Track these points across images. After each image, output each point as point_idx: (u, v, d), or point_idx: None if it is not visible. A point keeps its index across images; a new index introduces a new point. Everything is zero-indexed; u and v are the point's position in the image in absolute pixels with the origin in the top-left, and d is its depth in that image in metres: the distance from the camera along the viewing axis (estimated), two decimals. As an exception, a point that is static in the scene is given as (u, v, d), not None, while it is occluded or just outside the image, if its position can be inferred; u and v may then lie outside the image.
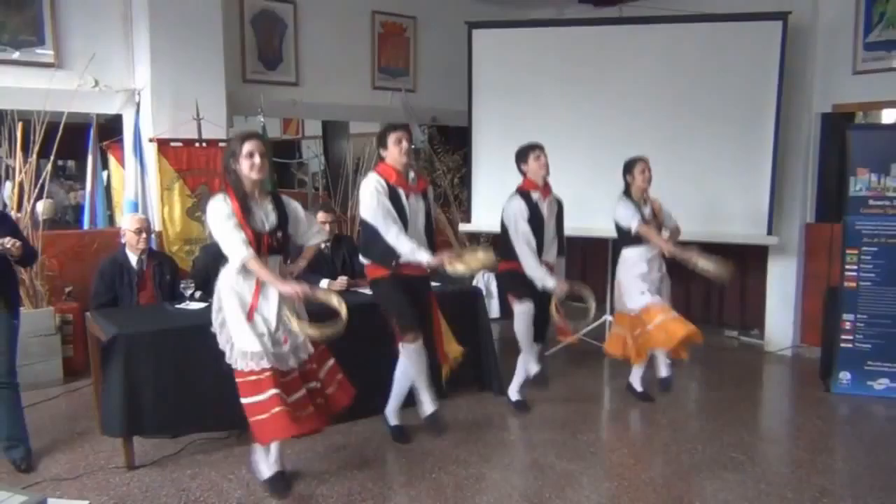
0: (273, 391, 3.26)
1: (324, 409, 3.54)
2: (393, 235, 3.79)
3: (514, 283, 4.48)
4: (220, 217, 3.27)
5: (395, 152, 3.86)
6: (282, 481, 3.50)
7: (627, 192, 4.71)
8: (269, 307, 3.37)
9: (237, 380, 3.32)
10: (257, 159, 3.29)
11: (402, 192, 3.87)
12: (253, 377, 3.28)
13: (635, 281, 4.67)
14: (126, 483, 3.61)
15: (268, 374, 3.28)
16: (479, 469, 3.83)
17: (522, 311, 4.48)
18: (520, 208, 4.38)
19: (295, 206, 3.58)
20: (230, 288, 3.35)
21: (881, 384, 5.05)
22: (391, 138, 3.86)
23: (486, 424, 4.46)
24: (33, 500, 2.60)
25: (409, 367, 3.99)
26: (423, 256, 3.78)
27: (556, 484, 3.66)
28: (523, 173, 4.50)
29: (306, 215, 3.63)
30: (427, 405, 3.98)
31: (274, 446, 3.49)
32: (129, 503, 3.41)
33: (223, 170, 3.41)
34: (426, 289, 4.12)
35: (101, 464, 3.80)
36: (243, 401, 3.30)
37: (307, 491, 3.55)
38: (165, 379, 3.74)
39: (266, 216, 3.40)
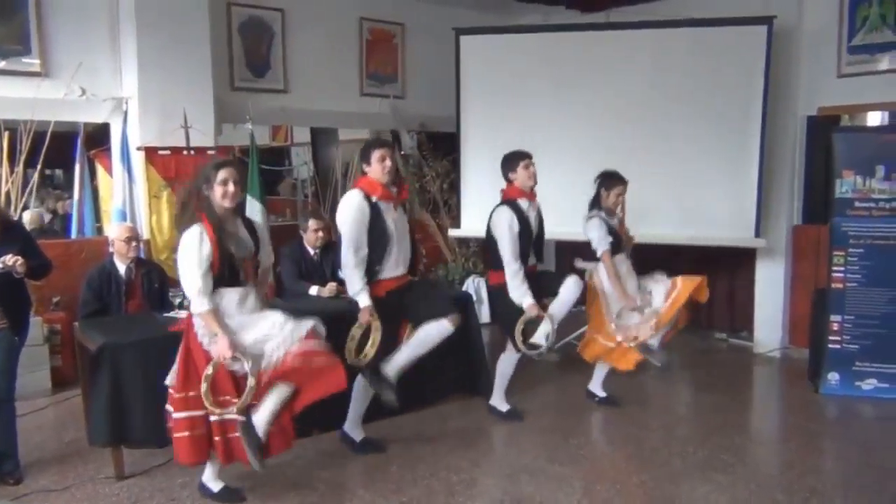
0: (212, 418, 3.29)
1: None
2: (350, 265, 3.74)
3: (507, 306, 4.36)
4: (193, 256, 3.21)
5: (378, 170, 3.79)
6: (232, 491, 3.51)
7: (597, 203, 4.69)
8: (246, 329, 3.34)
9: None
10: (231, 187, 3.27)
11: (385, 207, 3.82)
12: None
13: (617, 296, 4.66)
14: (115, 493, 3.59)
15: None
16: (471, 474, 3.83)
17: (512, 355, 4.52)
18: (510, 220, 4.27)
19: (262, 228, 3.61)
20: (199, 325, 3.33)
21: (869, 384, 5.08)
22: (375, 155, 3.80)
23: (477, 429, 4.46)
24: (22, 511, 2.59)
25: (359, 396, 4.05)
26: (362, 301, 3.76)
27: (547, 488, 3.67)
28: (509, 181, 4.39)
29: (267, 237, 3.66)
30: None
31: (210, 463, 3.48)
32: (118, 513, 3.40)
33: (191, 194, 3.32)
34: (408, 287, 4.01)
35: (91, 474, 3.78)
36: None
37: (297, 498, 3.53)
38: (154, 388, 3.72)
39: (245, 241, 3.39)
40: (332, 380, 3.34)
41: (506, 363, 4.61)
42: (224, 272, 3.27)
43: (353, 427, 4.12)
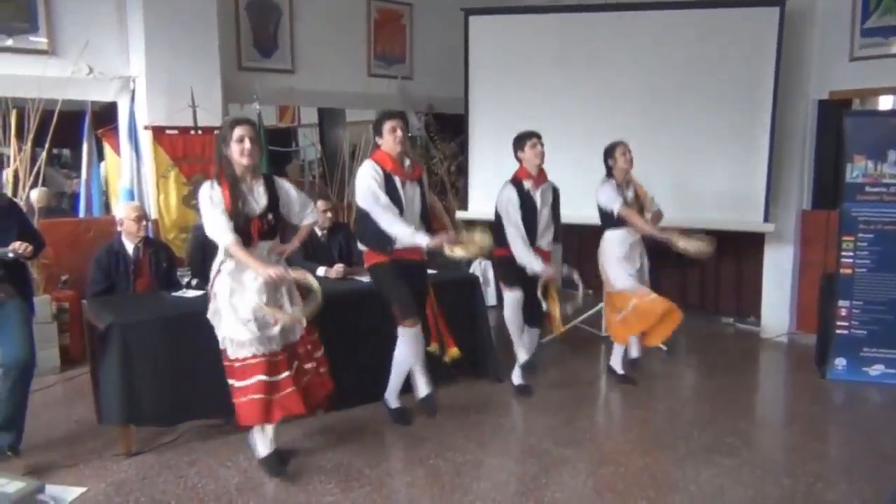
0: (256, 378, 3.36)
1: (303, 396, 3.54)
2: (387, 222, 3.81)
3: (504, 269, 4.56)
4: (207, 203, 3.33)
5: (389, 140, 3.88)
6: (276, 460, 3.54)
7: (610, 176, 4.74)
8: (253, 292, 3.37)
9: (224, 363, 3.43)
10: (247, 144, 3.31)
11: (397, 179, 3.89)
12: (238, 364, 3.39)
13: (619, 262, 4.73)
14: (124, 470, 3.62)
15: (251, 361, 3.37)
16: (477, 455, 3.84)
17: (511, 298, 4.56)
18: (511, 197, 4.44)
19: (287, 187, 3.59)
20: (221, 275, 3.39)
21: (876, 370, 5.07)
22: (386, 126, 3.89)
23: (483, 411, 4.47)
24: (32, 486, 2.62)
25: (407, 351, 4.02)
26: (422, 239, 3.80)
27: (552, 470, 3.68)
28: (519, 160, 4.53)
29: (300, 195, 3.64)
30: (422, 388, 4.07)
31: (269, 427, 3.52)
32: (126, 490, 3.42)
33: (215, 155, 3.43)
34: (424, 273, 4.16)
35: (99, 451, 3.81)
36: (229, 381, 3.43)
37: (305, 477, 3.55)
38: (162, 367, 3.75)
39: (257, 200, 3.41)
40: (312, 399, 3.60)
41: (526, 335, 4.65)
42: (234, 229, 3.31)
43: (391, 392, 4.24)
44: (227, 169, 3.35)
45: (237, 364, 3.39)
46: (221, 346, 3.44)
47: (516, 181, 4.50)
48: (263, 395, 3.36)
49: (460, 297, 4.83)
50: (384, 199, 3.82)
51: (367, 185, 3.84)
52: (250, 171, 3.41)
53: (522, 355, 4.66)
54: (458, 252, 3.79)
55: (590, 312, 5.97)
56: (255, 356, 3.37)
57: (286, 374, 3.44)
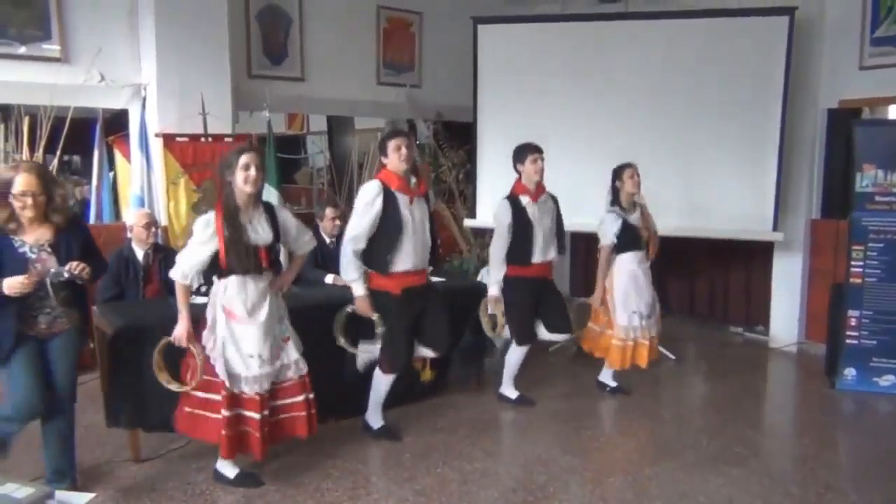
0: (233, 412, 3.39)
1: (280, 427, 3.55)
2: (349, 251, 3.82)
3: (515, 298, 4.49)
4: (199, 232, 3.36)
5: (395, 159, 3.86)
6: (249, 476, 3.55)
7: (616, 200, 4.72)
8: (255, 330, 3.39)
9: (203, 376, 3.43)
10: (252, 172, 3.31)
11: (402, 198, 3.86)
12: (224, 391, 3.39)
13: (628, 296, 4.71)
14: (132, 476, 3.63)
15: (240, 395, 3.39)
16: (484, 464, 3.84)
17: (520, 350, 4.60)
18: (502, 216, 4.42)
19: (285, 216, 3.61)
20: (219, 303, 3.40)
21: (886, 381, 5.04)
22: (391, 145, 3.86)
23: (490, 419, 4.47)
24: (41, 492, 2.62)
25: (379, 386, 4.05)
26: (356, 290, 3.86)
27: (560, 479, 3.67)
28: (518, 172, 4.50)
29: (297, 223, 3.66)
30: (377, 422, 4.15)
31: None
32: (135, 496, 3.43)
33: (218, 182, 3.44)
34: (425, 296, 4.04)
35: (108, 457, 3.82)
36: (198, 393, 3.46)
37: (313, 484, 3.56)
38: (171, 373, 3.75)
39: (262, 230, 3.42)
40: (295, 427, 3.56)
41: (514, 353, 4.66)
42: (233, 261, 3.31)
43: (372, 413, 4.16)
44: (229, 198, 3.34)
45: (224, 392, 3.38)
46: (211, 364, 3.41)
47: (513, 198, 4.46)
48: (231, 432, 3.38)
49: (466, 306, 4.81)
50: (364, 229, 3.81)
51: (362, 206, 3.82)
52: (252, 200, 3.40)
53: (513, 393, 4.72)
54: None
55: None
56: (242, 392, 3.38)
57: (258, 415, 3.40)
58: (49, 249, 3.13)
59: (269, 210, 3.53)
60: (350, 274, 3.84)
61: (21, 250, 3.10)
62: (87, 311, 3.46)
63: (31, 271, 3.06)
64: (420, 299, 3.99)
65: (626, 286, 4.69)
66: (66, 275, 3.07)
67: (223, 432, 3.38)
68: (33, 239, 3.12)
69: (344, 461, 3.83)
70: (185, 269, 3.37)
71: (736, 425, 4.41)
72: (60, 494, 2.70)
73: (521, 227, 4.42)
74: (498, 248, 4.44)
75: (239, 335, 3.38)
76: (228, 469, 3.54)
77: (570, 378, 5.31)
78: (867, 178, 5.07)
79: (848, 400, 4.97)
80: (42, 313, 3.17)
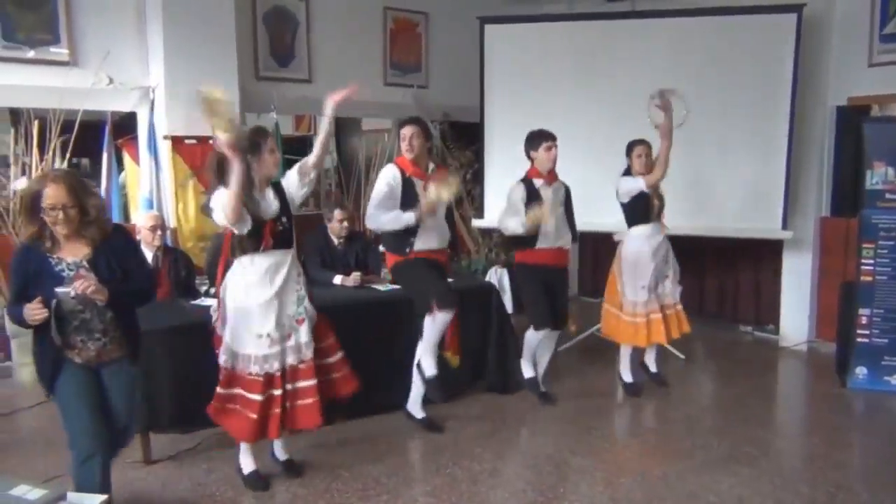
0: (253, 396, 3.38)
1: (324, 395, 3.53)
2: (375, 220, 3.99)
3: (528, 283, 4.56)
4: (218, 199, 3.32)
5: (403, 147, 4.07)
6: (259, 480, 3.54)
7: (628, 171, 4.77)
8: (272, 305, 3.39)
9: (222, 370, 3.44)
10: (277, 154, 3.45)
11: (418, 182, 4.02)
12: (240, 376, 3.42)
13: (638, 269, 4.74)
14: (143, 478, 3.65)
15: (252, 378, 3.38)
16: (494, 464, 3.83)
17: (536, 335, 4.59)
18: (517, 191, 4.47)
19: (288, 183, 3.59)
20: (236, 284, 3.40)
21: (898, 379, 5.01)
22: (400, 135, 4.09)
23: (500, 419, 4.47)
24: (53, 494, 2.63)
25: (432, 331, 4.04)
26: (409, 216, 3.94)
27: (570, 479, 3.67)
28: (531, 159, 4.54)
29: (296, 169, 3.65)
30: (431, 369, 4.08)
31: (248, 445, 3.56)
32: (146, 498, 3.45)
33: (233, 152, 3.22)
34: (446, 273, 4.21)
35: (119, 458, 3.82)
36: (218, 389, 3.44)
37: (322, 485, 3.57)
38: (181, 374, 3.77)
39: (269, 205, 3.44)
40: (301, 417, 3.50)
41: (531, 335, 4.65)
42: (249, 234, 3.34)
43: (415, 404, 4.28)
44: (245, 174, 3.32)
45: (243, 377, 3.40)
46: (222, 355, 3.43)
47: (527, 180, 4.51)
48: (257, 415, 3.36)
49: (476, 305, 4.82)
50: (387, 202, 3.97)
51: (378, 187, 4.04)
52: (266, 181, 3.44)
53: (529, 371, 4.70)
54: (444, 194, 3.90)
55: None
56: (257, 374, 3.38)
57: (278, 391, 3.41)
58: (87, 266, 2.80)
59: (277, 187, 3.54)
60: (389, 215, 3.96)
61: (58, 269, 2.78)
62: (138, 335, 3.04)
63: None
64: (441, 271, 4.12)
65: (634, 260, 4.75)
66: (73, 295, 2.69)
67: (253, 416, 3.36)
68: (71, 256, 2.81)
69: (353, 462, 3.83)
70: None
71: (746, 425, 4.39)
72: (72, 496, 2.71)
73: (531, 205, 4.43)
74: (503, 221, 4.50)
75: (249, 312, 3.37)
76: (247, 460, 3.55)
77: (579, 377, 5.30)
78: (877, 176, 5.04)
79: (859, 399, 4.95)
80: (91, 338, 2.85)
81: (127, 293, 2.87)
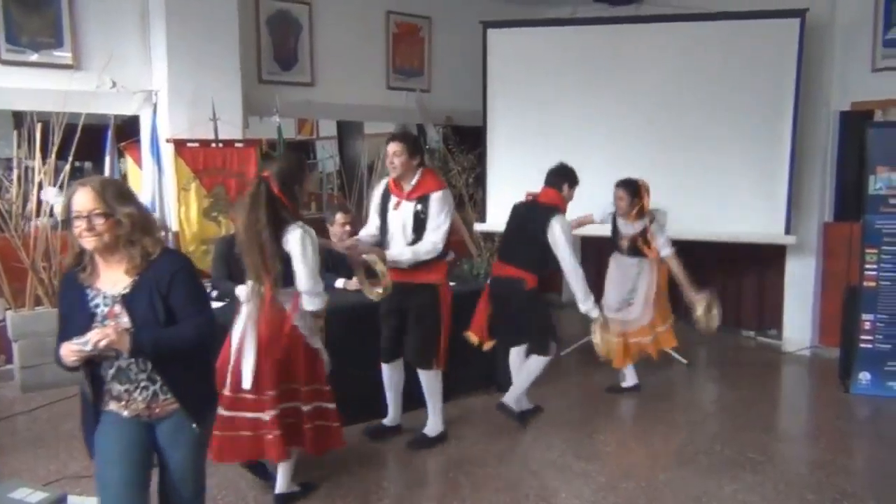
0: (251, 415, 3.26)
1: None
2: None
3: (542, 310, 4.45)
4: (312, 248, 3.30)
5: (387, 164, 4.03)
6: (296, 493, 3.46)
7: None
8: None
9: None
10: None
11: (393, 199, 4.00)
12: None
13: (609, 292, 5.02)
14: (145, 481, 3.63)
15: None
16: (496, 469, 3.82)
17: (544, 361, 4.41)
18: (566, 228, 4.25)
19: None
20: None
21: (902, 385, 4.99)
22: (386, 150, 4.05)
23: (503, 424, 4.44)
24: (54, 496, 2.63)
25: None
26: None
27: (573, 484, 3.65)
28: (560, 191, 4.38)
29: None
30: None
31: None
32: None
33: (293, 192, 3.28)
34: (408, 296, 3.96)
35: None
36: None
37: (324, 491, 3.55)
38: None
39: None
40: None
41: (537, 362, 4.40)
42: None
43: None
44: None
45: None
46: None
47: (563, 213, 4.34)
48: (251, 433, 3.25)
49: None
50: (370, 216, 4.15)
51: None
52: None
53: (525, 403, 4.56)
54: (369, 294, 3.81)
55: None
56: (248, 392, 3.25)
57: (272, 413, 3.25)
58: (121, 302, 2.24)
59: None
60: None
61: (93, 304, 2.25)
62: (192, 392, 2.36)
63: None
64: (399, 295, 3.88)
65: (609, 288, 5.04)
66: (89, 348, 2.14)
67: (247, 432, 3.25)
68: (109, 287, 2.26)
69: (355, 467, 3.82)
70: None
71: (750, 430, 4.38)
72: (73, 499, 2.72)
73: None
74: (576, 264, 4.26)
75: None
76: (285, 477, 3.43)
77: (581, 382, 5.29)
78: (881, 181, 5.03)
79: (863, 404, 4.93)
80: (137, 387, 2.29)
81: (160, 342, 2.22)
